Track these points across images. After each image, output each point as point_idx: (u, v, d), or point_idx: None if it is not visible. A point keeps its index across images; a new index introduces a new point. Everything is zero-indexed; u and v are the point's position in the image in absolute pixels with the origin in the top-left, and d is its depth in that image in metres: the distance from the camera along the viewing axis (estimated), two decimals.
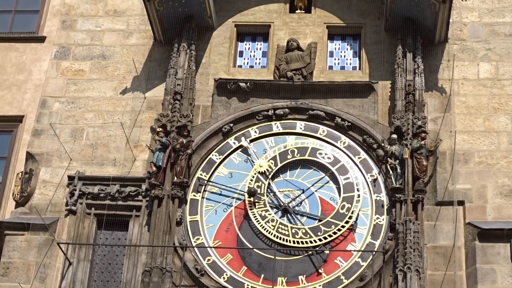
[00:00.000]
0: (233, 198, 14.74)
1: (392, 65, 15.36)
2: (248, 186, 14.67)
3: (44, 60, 16.59)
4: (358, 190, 14.52)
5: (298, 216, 14.50)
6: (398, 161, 14.40)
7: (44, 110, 15.77)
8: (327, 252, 14.11)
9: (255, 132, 15.29)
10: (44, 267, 14.25)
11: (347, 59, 16.07)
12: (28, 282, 14.08)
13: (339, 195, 14.54)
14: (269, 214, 14.47)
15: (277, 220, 14.39)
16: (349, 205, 14.36)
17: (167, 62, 15.70)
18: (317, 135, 15.14)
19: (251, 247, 14.23)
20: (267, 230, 14.30)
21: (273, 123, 15.31)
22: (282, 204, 14.58)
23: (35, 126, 15.66)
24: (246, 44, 16.41)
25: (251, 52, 16.31)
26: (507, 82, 15.38)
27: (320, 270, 14.00)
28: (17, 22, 17.31)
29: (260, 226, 14.35)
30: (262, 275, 14.03)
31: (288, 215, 14.52)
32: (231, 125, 15.27)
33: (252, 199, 14.56)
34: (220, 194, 14.81)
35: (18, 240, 14.43)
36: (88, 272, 14.35)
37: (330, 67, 15.96)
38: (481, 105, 15.19)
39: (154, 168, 14.57)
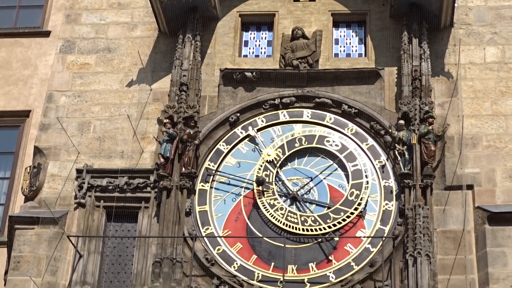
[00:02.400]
0: (241, 187, 14.73)
1: (398, 51, 15.30)
2: (256, 175, 14.66)
3: (50, 55, 16.62)
4: (366, 176, 14.49)
5: (307, 204, 14.49)
6: (406, 146, 14.37)
7: (50, 105, 15.78)
8: (336, 239, 14.10)
9: (262, 121, 15.27)
10: (54, 260, 14.28)
11: (352, 46, 16.03)
12: (39, 276, 14.13)
13: (348, 182, 14.51)
14: (278, 202, 14.46)
15: (286, 209, 14.39)
16: (358, 192, 14.34)
17: (173, 53, 15.67)
18: (324, 122, 15.11)
19: (260, 235, 14.23)
20: (276, 218, 14.29)
21: (280, 111, 15.29)
22: (290, 192, 14.56)
23: (42, 121, 15.67)
24: (251, 34, 16.38)
25: (256, 41, 16.28)
26: None
27: (330, 257, 13.99)
28: (21, 18, 17.35)
29: (269, 214, 14.34)
30: (272, 263, 14.03)
31: (297, 203, 14.51)
32: (238, 114, 15.25)
33: (260, 188, 14.55)
34: (228, 184, 14.80)
35: (28, 234, 14.46)
36: (98, 264, 14.38)
37: (336, 55, 15.92)
38: (488, 89, 15.13)
39: (162, 160, 14.56)
